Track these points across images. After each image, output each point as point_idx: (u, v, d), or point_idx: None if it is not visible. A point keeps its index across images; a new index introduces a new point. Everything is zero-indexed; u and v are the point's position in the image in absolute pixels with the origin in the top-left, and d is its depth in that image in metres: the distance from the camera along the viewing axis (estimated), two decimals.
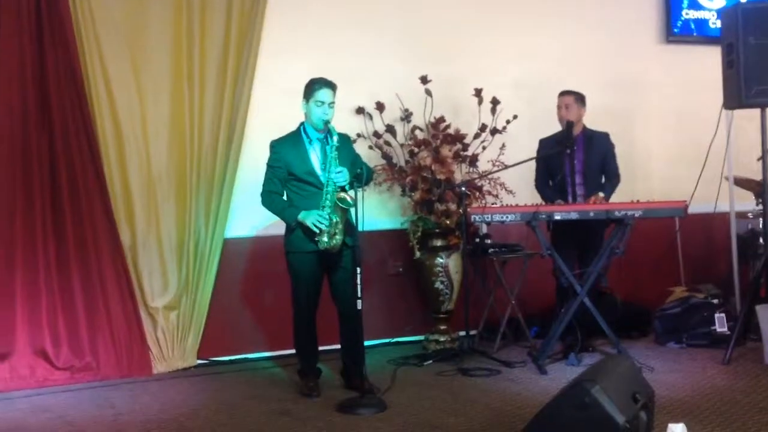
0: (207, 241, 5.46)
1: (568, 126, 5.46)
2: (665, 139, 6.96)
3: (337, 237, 4.55)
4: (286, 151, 4.66)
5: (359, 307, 4.47)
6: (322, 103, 4.60)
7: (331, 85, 4.65)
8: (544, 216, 5.17)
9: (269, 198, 4.69)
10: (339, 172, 4.53)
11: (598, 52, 6.66)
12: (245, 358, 5.62)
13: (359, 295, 4.45)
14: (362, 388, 4.51)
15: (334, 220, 4.53)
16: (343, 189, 4.56)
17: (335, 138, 4.58)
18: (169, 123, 5.41)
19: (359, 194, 4.49)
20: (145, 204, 5.35)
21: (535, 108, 6.08)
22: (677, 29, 6.96)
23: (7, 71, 4.99)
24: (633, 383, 3.42)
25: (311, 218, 4.51)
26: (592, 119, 5.70)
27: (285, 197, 4.72)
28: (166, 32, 5.38)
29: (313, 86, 4.64)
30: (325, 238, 4.52)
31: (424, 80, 5.83)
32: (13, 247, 5.00)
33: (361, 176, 4.57)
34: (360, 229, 4.53)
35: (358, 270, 4.45)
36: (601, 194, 5.41)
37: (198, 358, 5.50)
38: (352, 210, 4.55)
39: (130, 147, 5.31)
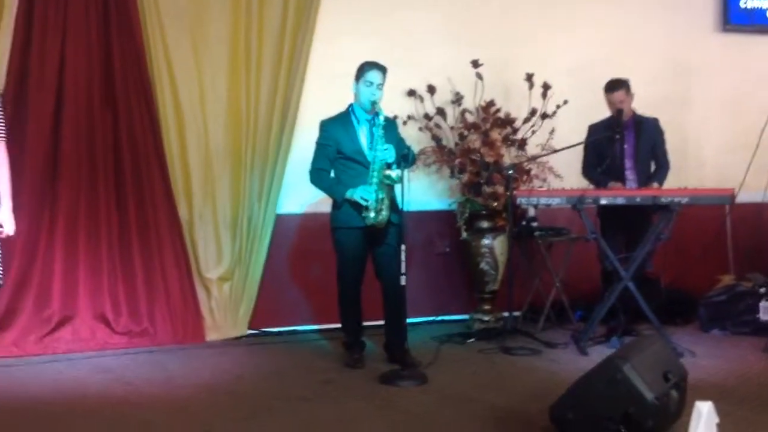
0: (260, 217, 5.67)
1: (619, 112, 5.48)
2: (719, 127, 6.91)
3: (383, 213, 4.68)
4: (335, 130, 4.81)
5: (402, 283, 4.60)
6: (371, 83, 4.74)
7: (381, 68, 4.78)
8: (590, 200, 5.19)
9: (318, 175, 4.85)
10: (385, 149, 4.67)
11: (652, 39, 6.66)
12: (293, 330, 5.82)
13: (403, 271, 4.58)
14: (404, 361, 4.66)
15: (380, 196, 4.66)
16: (389, 166, 4.69)
17: (381, 117, 4.71)
18: (227, 105, 5.63)
19: (405, 175, 4.62)
20: (202, 180, 5.59)
21: (586, 93, 6.06)
22: (734, 18, 6.89)
23: (75, 56, 5.24)
24: (665, 363, 3.49)
25: (358, 193, 4.65)
26: (645, 106, 5.71)
27: (332, 175, 4.88)
28: (225, 18, 5.60)
29: (363, 67, 4.79)
30: (372, 214, 4.65)
31: (475, 64, 5.91)
32: (77, 218, 5.27)
33: (407, 156, 4.70)
34: (408, 209, 4.67)
35: (402, 247, 4.57)
36: (656, 184, 5.42)
37: (249, 329, 5.71)
38: (398, 190, 4.67)
39: (190, 127, 5.55)
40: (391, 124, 4.93)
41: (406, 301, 4.71)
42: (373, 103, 4.73)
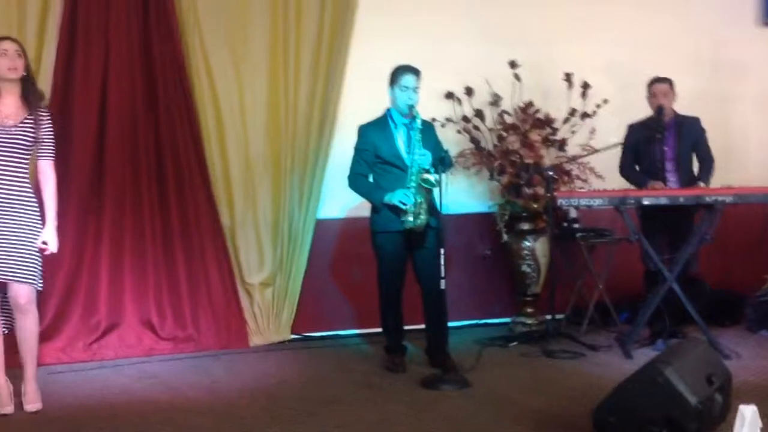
0: (300, 222, 5.71)
1: (659, 109, 5.41)
2: (762, 123, 6.78)
3: (422, 217, 4.68)
4: (373, 135, 4.83)
5: (442, 287, 4.60)
6: (407, 88, 4.74)
7: (416, 71, 4.78)
8: (632, 201, 5.12)
9: (356, 180, 4.88)
10: (422, 155, 4.68)
11: (693, 36, 6.55)
12: (336, 335, 5.85)
13: (443, 275, 4.58)
14: (445, 365, 4.66)
15: (419, 200, 4.67)
16: (426, 171, 4.70)
17: (419, 121, 4.72)
18: (266, 110, 5.68)
19: (443, 178, 4.62)
20: (242, 186, 5.64)
21: (627, 92, 6.01)
22: None
23: (117, 62, 5.33)
24: (709, 366, 3.45)
25: (396, 197, 4.67)
26: (687, 104, 5.63)
27: (371, 179, 4.89)
28: (263, 23, 5.64)
29: (398, 72, 4.80)
30: (410, 218, 4.66)
31: (513, 64, 5.88)
32: (122, 225, 5.36)
33: (444, 160, 4.70)
34: (448, 212, 4.67)
35: (442, 251, 4.57)
36: (702, 184, 5.34)
37: (291, 333, 5.76)
38: (436, 193, 4.68)
39: (229, 133, 5.61)
40: (428, 127, 4.93)
41: (447, 305, 4.72)
42: (410, 107, 4.74)
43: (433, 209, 4.75)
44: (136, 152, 5.39)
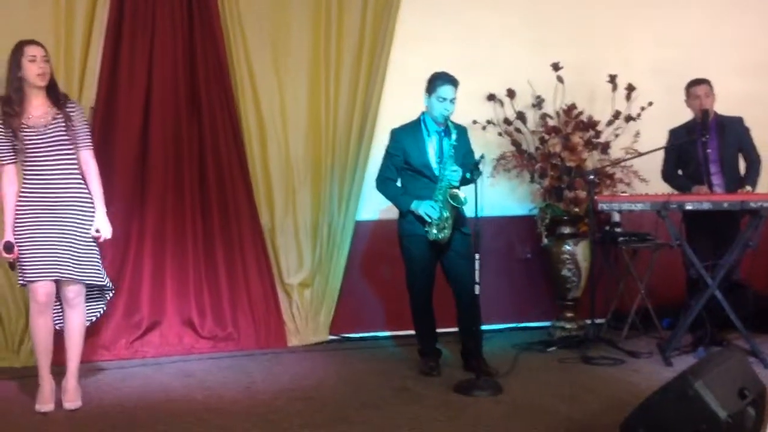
0: (339, 223, 5.75)
1: (705, 114, 5.30)
2: None
3: (446, 231, 4.67)
4: (405, 140, 4.82)
5: (476, 292, 4.58)
6: (444, 99, 4.70)
7: (454, 82, 4.74)
8: (675, 206, 5.05)
9: (385, 184, 4.89)
10: (454, 171, 4.65)
11: (736, 36, 6.40)
12: (373, 336, 5.89)
13: (477, 280, 4.56)
14: (480, 369, 4.65)
15: (445, 215, 4.66)
16: (455, 187, 4.67)
17: (454, 136, 4.69)
18: (307, 113, 5.73)
19: (478, 182, 4.58)
20: (283, 188, 5.71)
21: (672, 95, 5.84)
22: None
23: (162, 65, 5.43)
24: (742, 378, 3.36)
25: (423, 208, 4.67)
26: (731, 105, 5.51)
27: (399, 184, 4.90)
28: (305, 27, 5.70)
29: (435, 82, 4.75)
30: (434, 230, 4.66)
31: (555, 67, 5.82)
32: (164, 225, 5.46)
33: (478, 163, 4.66)
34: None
35: (476, 256, 4.54)
36: (749, 188, 5.22)
37: (330, 334, 5.80)
38: (471, 195, 4.60)
39: (271, 136, 5.68)
40: (462, 134, 4.86)
41: (480, 310, 4.70)
42: (446, 118, 4.72)
43: (460, 219, 4.75)
44: (179, 154, 5.49)
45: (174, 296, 5.49)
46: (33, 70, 4.18)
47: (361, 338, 5.86)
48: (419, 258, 4.80)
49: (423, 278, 4.83)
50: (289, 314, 5.70)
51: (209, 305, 5.54)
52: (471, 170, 4.64)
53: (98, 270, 4.30)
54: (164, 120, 5.45)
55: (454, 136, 4.69)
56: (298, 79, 5.70)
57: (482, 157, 4.74)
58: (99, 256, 4.31)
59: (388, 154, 4.88)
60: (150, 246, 5.44)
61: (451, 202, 4.64)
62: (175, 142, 5.49)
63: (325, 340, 5.77)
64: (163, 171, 5.46)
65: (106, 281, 4.40)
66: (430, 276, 4.85)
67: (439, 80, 4.74)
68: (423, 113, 4.88)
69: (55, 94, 4.27)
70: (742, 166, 5.48)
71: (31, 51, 4.18)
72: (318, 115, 5.72)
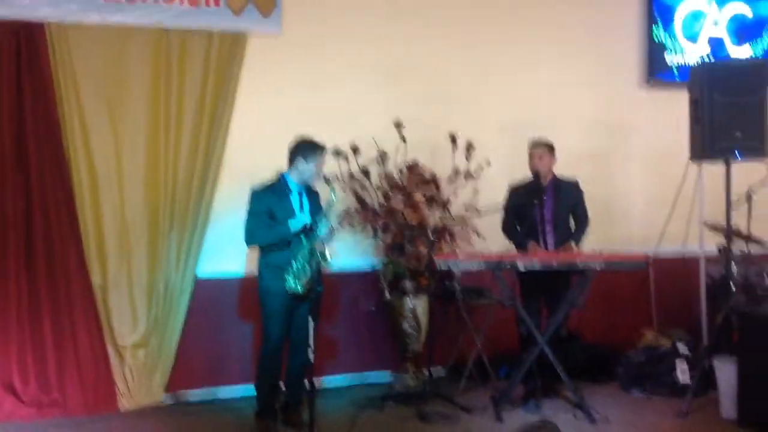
0: (177, 281, 5.59)
1: (536, 175, 5.52)
2: (645, 182, 6.99)
3: (302, 282, 4.76)
4: (270, 200, 4.90)
5: (310, 357, 4.51)
6: (318, 168, 4.93)
7: (325, 150, 5.01)
8: (507, 265, 5.24)
9: (255, 233, 4.88)
10: (323, 225, 4.84)
11: (579, 96, 6.72)
12: (211, 399, 5.72)
13: (311, 345, 4.51)
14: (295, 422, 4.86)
15: (304, 266, 4.76)
16: (323, 243, 4.81)
17: (333, 197, 4.89)
18: (144, 168, 5.57)
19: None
20: (117, 246, 5.50)
21: (515, 152, 5.94)
22: (659, 73, 6.99)
23: None
24: None
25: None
26: (573, 162, 5.78)
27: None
28: (144, 80, 5.55)
29: (309, 148, 4.93)
30: (291, 279, 4.75)
31: (398, 125, 5.87)
32: None
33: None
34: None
35: (312, 324, 4.48)
36: (572, 243, 5.47)
37: (166, 392, 5.61)
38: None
39: (104, 192, 5.48)
40: (317, 194, 5.07)
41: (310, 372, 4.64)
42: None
43: (318, 277, 4.80)
44: (3, 210, 5.22)
45: None
46: None
47: (199, 402, 5.68)
48: (278, 312, 4.84)
49: (280, 330, 4.88)
50: (120, 376, 5.47)
51: (33, 368, 5.25)
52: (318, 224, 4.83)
53: None
54: None
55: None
56: (136, 132, 5.53)
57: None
58: None
59: (252, 214, 4.90)
60: None
61: (318, 257, 4.73)
62: None
63: (159, 401, 5.57)
64: None
65: None
66: (285, 330, 4.90)
67: (315, 148, 4.94)
68: (283, 174, 4.97)
69: None
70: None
71: None
72: (157, 168, 5.56)
